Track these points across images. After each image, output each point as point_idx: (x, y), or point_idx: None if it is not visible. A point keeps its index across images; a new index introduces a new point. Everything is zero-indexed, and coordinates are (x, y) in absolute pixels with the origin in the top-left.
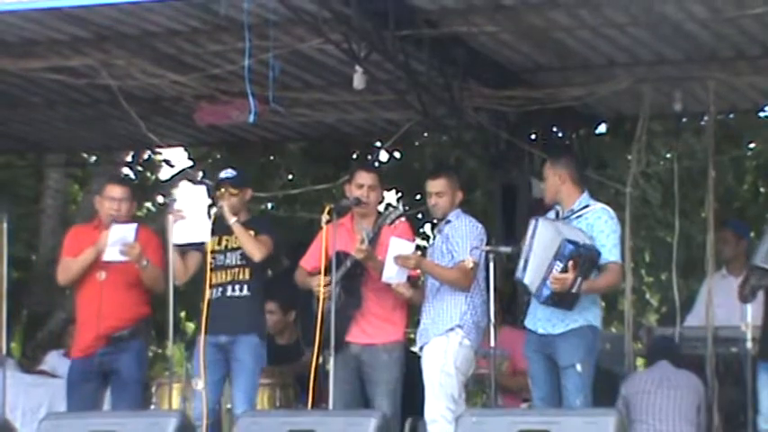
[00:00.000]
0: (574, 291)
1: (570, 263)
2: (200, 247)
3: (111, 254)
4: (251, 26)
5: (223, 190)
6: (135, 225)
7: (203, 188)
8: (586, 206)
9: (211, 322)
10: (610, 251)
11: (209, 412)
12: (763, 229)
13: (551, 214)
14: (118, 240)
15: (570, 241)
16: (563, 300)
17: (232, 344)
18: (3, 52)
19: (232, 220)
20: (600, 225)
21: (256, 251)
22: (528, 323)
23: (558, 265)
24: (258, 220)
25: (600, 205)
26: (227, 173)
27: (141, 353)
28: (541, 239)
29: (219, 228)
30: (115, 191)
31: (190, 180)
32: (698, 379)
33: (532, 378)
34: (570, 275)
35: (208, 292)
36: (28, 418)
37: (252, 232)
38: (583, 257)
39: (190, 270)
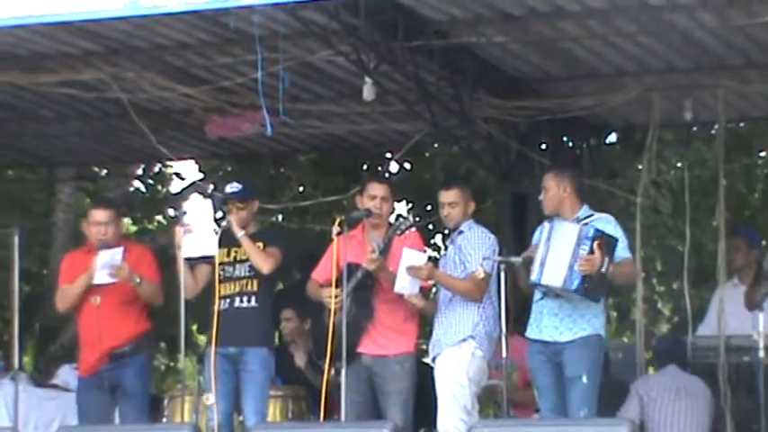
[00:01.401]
0: (603, 270)
1: (595, 243)
2: (209, 259)
3: (101, 277)
4: (261, 38)
5: (230, 205)
6: (121, 248)
7: (211, 202)
8: (591, 215)
9: (220, 334)
10: (623, 250)
11: (224, 424)
12: None
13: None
14: (105, 264)
15: (591, 225)
16: (593, 287)
17: (241, 355)
18: (14, 66)
19: (240, 233)
20: (610, 229)
21: (265, 264)
22: (531, 333)
23: (585, 248)
24: (267, 232)
25: (603, 214)
26: (232, 187)
27: (144, 366)
28: (558, 237)
29: (228, 240)
30: (99, 215)
31: (200, 193)
32: (707, 386)
33: (539, 389)
34: (598, 255)
35: (216, 303)
36: None
37: (260, 244)
38: (605, 238)
39: (200, 283)
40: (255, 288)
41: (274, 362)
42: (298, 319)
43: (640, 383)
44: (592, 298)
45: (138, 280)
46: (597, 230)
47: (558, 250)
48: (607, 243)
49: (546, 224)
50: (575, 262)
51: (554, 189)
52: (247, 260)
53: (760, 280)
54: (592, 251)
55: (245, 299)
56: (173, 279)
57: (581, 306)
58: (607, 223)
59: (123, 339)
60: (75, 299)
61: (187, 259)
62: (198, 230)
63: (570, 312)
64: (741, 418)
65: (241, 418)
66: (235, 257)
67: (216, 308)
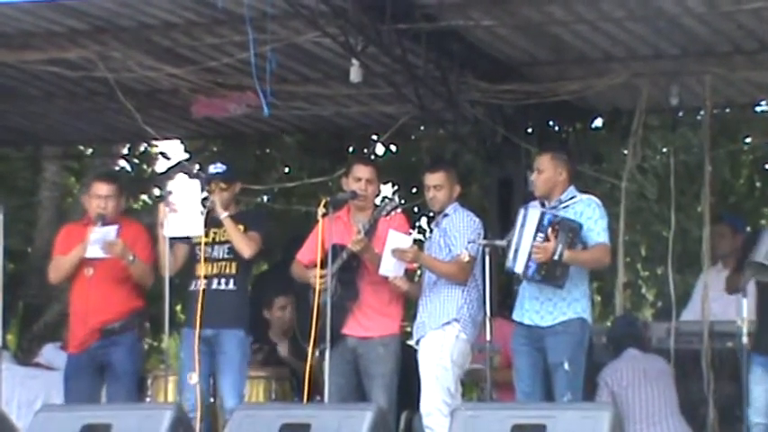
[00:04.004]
0: (556, 258)
1: (549, 230)
2: (189, 240)
3: (94, 251)
4: (251, 19)
5: (213, 185)
6: (115, 227)
7: (197, 182)
8: (573, 197)
9: (196, 314)
10: (599, 234)
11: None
12: (762, 226)
13: (535, 203)
14: (98, 240)
15: (549, 212)
16: (550, 274)
17: (217, 336)
18: (0, 44)
19: (224, 214)
20: (588, 212)
21: (246, 248)
22: (515, 315)
23: (540, 236)
24: (249, 214)
25: (586, 196)
26: (216, 167)
27: (134, 346)
28: (529, 225)
29: (208, 220)
30: (101, 188)
31: (186, 173)
32: (665, 361)
33: (517, 371)
34: (551, 243)
35: (193, 283)
36: (24, 411)
37: (241, 227)
38: (563, 224)
39: (178, 262)
40: (234, 271)
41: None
42: (291, 307)
43: (607, 373)
44: (553, 284)
45: (131, 258)
46: (554, 217)
47: (525, 237)
48: (565, 229)
49: (521, 210)
50: (532, 249)
51: (550, 171)
52: (227, 242)
53: (743, 266)
54: (546, 239)
55: (222, 281)
56: (155, 260)
57: (560, 290)
58: (587, 206)
59: (113, 314)
60: (67, 270)
61: (170, 238)
62: (182, 210)
63: (550, 296)
64: (724, 404)
65: (212, 400)
66: (214, 238)
67: (192, 287)
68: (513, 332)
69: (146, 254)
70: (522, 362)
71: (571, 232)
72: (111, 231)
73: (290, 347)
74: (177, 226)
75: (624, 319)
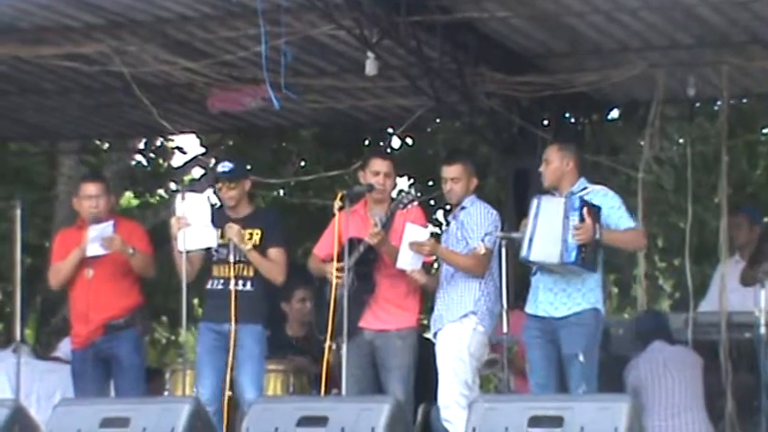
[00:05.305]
0: (597, 237)
1: (584, 210)
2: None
3: (94, 249)
4: (263, 12)
5: (221, 185)
6: (111, 222)
7: (205, 195)
8: (585, 188)
9: (213, 311)
10: (628, 219)
11: (212, 399)
12: None
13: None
14: (96, 237)
15: (576, 196)
16: (590, 256)
17: (235, 332)
18: (16, 39)
19: (246, 247)
20: (608, 201)
21: (277, 276)
22: (528, 308)
23: (574, 218)
24: (263, 216)
25: (598, 186)
26: (223, 167)
27: (138, 340)
28: (545, 214)
29: (221, 220)
30: (90, 188)
31: (202, 167)
32: (696, 354)
33: (531, 364)
34: (589, 222)
35: (210, 282)
36: (42, 405)
37: (257, 231)
38: (592, 206)
39: (196, 267)
40: (252, 273)
41: (266, 340)
42: (310, 299)
43: (628, 370)
44: (588, 268)
45: (131, 251)
46: (582, 200)
47: (547, 227)
48: (595, 210)
49: (534, 200)
50: (567, 234)
51: (556, 162)
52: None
53: (759, 257)
54: (582, 219)
55: (240, 283)
56: (171, 255)
57: (575, 280)
58: (604, 195)
59: (116, 309)
60: (67, 274)
61: (186, 251)
62: (193, 223)
63: (564, 287)
64: (742, 395)
65: (229, 393)
66: (229, 240)
67: (210, 286)
68: (525, 325)
69: (143, 245)
70: (536, 354)
71: (597, 214)
72: (107, 227)
73: (307, 340)
74: (191, 239)
75: (650, 313)
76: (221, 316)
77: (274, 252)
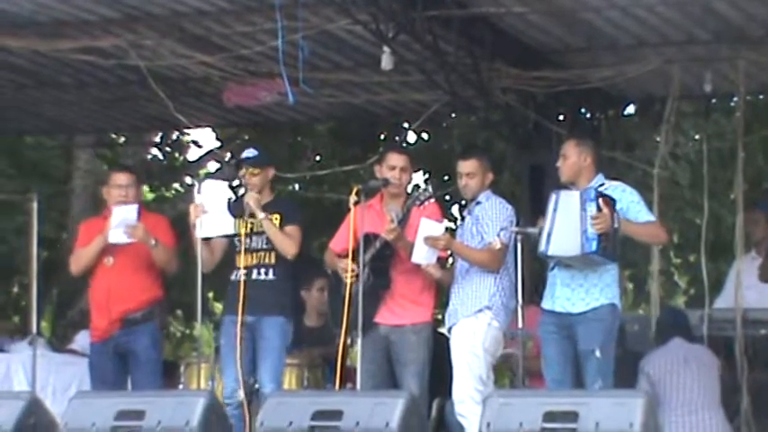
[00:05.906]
0: (616, 226)
1: (600, 200)
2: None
3: (116, 236)
4: (280, 6)
5: (245, 170)
6: (136, 205)
7: (223, 182)
8: (602, 184)
9: (237, 303)
10: (647, 213)
11: (237, 390)
12: None
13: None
14: (121, 222)
15: (591, 188)
16: (611, 245)
17: (258, 323)
18: (33, 32)
19: (261, 215)
20: (626, 196)
21: (288, 248)
22: (545, 304)
23: (591, 208)
24: (283, 203)
25: (617, 182)
26: (248, 152)
27: (156, 334)
28: (564, 208)
29: (245, 210)
30: (121, 178)
31: (218, 161)
32: (713, 354)
33: (546, 359)
34: (607, 211)
35: (234, 273)
36: (58, 397)
37: (277, 216)
38: (607, 197)
39: (216, 257)
40: (273, 261)
41: (291, 331)
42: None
43: (647, 361)
44: (610, 257)
45: (153, 242)
46: (597, 191)
47: (565, 221)
48: (611, 200)
49: (552, 195)
50: (586, 225)
51: (574, 157)
52: (264, 232)
53: None
54: (599, 209)
55: (262, 271)
56: (189, 248)
57: (593, 275)
58: (622, 191)
59: (135, 302)
60: (89, 260)
61: (205, 239)
62: (212, 210)
63: (582, 282)
64: (757, 392)
65: (257, 386)
66: (252, 229)
67: (232, 277)
68: (541, 320)
69: (167, 238)
70: (552, 350)
71: (614, 204)
72: (132, 210)
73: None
74: (209, 226)
75: (671, 310)
76: (245, 308)
77: (290, 228)
